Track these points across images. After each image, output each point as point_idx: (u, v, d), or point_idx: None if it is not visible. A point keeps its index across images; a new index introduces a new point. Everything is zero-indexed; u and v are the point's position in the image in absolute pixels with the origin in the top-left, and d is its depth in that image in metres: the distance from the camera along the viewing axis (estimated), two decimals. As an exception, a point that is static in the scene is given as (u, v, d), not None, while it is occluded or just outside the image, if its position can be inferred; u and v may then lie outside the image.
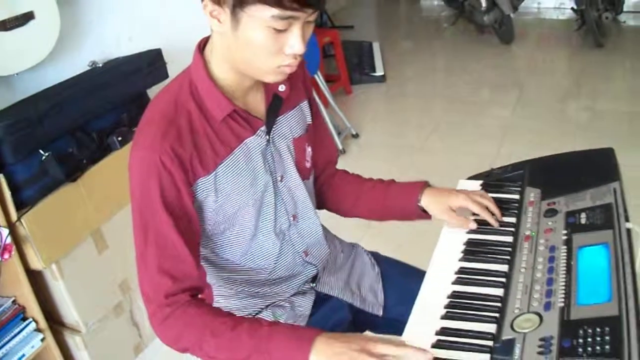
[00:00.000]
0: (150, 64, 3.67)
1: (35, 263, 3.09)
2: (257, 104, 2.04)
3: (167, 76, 3.73)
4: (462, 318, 1.81)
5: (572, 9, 8.33)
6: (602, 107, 6.62)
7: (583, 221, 1.96)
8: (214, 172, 1.91)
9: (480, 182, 2.47)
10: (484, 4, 8.14)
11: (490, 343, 1.67)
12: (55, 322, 3.38)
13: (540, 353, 1.53)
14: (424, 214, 2.30)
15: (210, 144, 1.90)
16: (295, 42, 1.77)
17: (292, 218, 2.17)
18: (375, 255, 2.51)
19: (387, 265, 2.48)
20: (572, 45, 8.56)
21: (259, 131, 2.01)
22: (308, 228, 2.24)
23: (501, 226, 2.18)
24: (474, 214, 2.22)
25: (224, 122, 1.92)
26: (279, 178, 2.10)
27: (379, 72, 7.81)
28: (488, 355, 1.63)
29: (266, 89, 2.05)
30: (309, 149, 2.23)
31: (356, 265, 2.45)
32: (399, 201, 2.33)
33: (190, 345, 1.83)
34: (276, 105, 2.07)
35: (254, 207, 2.02)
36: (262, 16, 1.70)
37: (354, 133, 6.32)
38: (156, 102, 1.95)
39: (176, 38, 3.99)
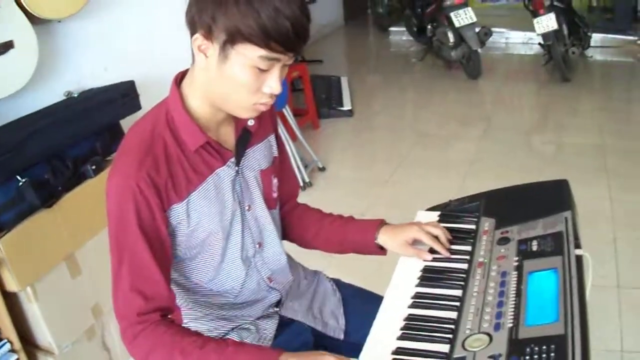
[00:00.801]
0: (124, 95, 3.77)
1: (11, 285, 3.16)
2: (228, 137, 2.14)
3: (139, 107, 3.83)
4: (417, 339, 1.90)
5: (540, 44, 8.41)
6: (567, 141, 6.74)
7: (534, 248, 2.05)
8: (187, 199, 2.01)
9: (438, 213, 2.57)
10: (451, 39, 8.26)
11: None
12: (28, 343, 3.42)
13: None
14: (380, 250, 2.43)
15: (184, 172, 2.00)
16: (273, 83, 1.90)
17: (257, 245, 2.26)
18: (336, 282, 2.60)
19: (348, 292, 2.57)
20: (539, 80, 8.68)
21: (229, 162, 2.11)
22: (272, 256, 2.33)
23: (456, 254, 2.28)
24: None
25: (197, 153, 2.02)
26: (247, 207, 2.20)
27: (347, 107, 7.90)
28: None
29: (236, 123, 2.15)
30: (275, 180, 2.33)
31: (318, 291, 2.53)
32: (357, 238, 2.45)
33: None
34: (245, 138, 2.17)
35: (222, 233, 2.12)
36: (249, 55, 1.82)
37: (321, 166, 6.37)
38: (134, 131, 2.04)
39: (149, 70, 4.08)
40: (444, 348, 1.82)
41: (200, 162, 2.04)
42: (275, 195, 2.34)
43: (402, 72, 9.73)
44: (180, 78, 2.08)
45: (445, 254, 2.29)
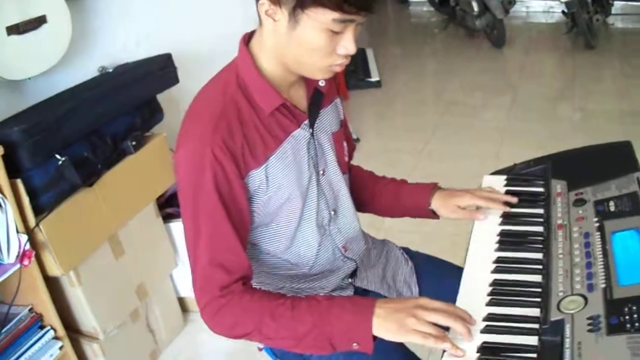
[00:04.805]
0: (162, 68, 3.66)
1: (54, 269, 3.06)
2: (300, 98, 2.06)
3: (177, 81, 3.75)
4: (506, 304, 1.85)
5: (563, 12, 8.37)
6: (597, 108, 6.70)
7: (612, 209, 2.02)
8: (265, 164, 1.93)
9: (504, 177, 2.52)
10: (476, 8, 8.18)
11: (536, 326, 1.72)
12: (71, 329, 3.35)
13: (590, 331, 1.58)
14: (434, 215, 2.41)
15: (260, 136, 1.91)
16: (348, 44, 1.81)
17: (332, 212, 2.18)
18: (406, 250, 2.54)
19: (420, 260, 2.51)
20: (562, 48, 8.64)
21: (303, 124, 2.03)
22: (347, 223, 2.26)
23: (530, 217, 2.24)
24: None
25: (272, 115, 1.94)
26: (321, 172, 2.12)
27: (375, 78, 7.82)
28: (536, 337, 1.68)
29: (308, 83, 2.07)
30: (345, 144, 2.27)
31: (390, 260, 2.47)
32: (411, 202, 2.43)
33: (249, 331, 1.87)
34: (317, 99, 2.10)
35: (300, 199, 2.04)
36: (321, 19, 1.73)
37: (355, 137, 6.28)
38: (203, 96, 1.96)
39: (181, 44, 4.02)
40: (535, 312, 1.78)
41: (276, 125, 1.96)
42: (346, 159, 2.29)
43: (424, 43, 9.70)
44: (248, 38, 1.99)
45: (503, 209, 2.29)
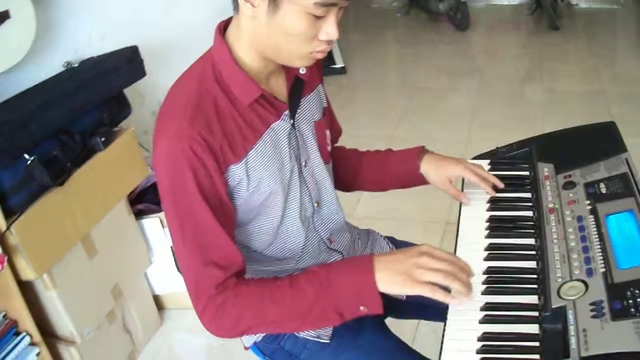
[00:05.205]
0: (129, 61, 3.56)
1: (27, 273, 2.97)
2: (279, 88, 1.99)
3: (144, 74, 3.66)
4: (503, 292, 1.82)
5: (527, -7, 8.44)
6: (566, 89, 6.73)
7: (603, 191, 2.00)
8: (245, 159, 1.85)
9: (488, 161, 2.49)
10: (439, -9, 8.19)
11: (536, 314, 1.70)
12: (47, 334, 3.26)
13: (594, 317, 1.56)
14: (424, 180, 2.36)
15: (239, 130, 1.84)
16: (331, 29, 1.74)
17: (316, 204, 2.13)
18: (391, 240, 2.49)
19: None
20: (527, 29, 8.69)
21: (283, 115, 1.96)
22: (331, 214, 2.20)
23: (518, 202, 2.22)
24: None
25: (251, 107, 1.87)
26: (304, 163, 2.06)
27: (339, 64, 7.73)
28: (537, 325, 1.67)
29: (287, 72, 2.00)
30: (328, 133, 2.21)
31: (375, 250, 2.42)
32: (399, 168, 2.38)
33: (252, 322, 1.83)
34: (298, 88, 2.03)
35: (282, 193, 1.98)
36: (303, 2, 1.66)
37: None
38: (177, 89, 1.88)
39: (147, 35, 3.95)
40: (532, 299, 1.77)
41: (255, 118, 1.88)
42: (329, 148, 2.22)
43: (387, 28, 9.64)
44: (223, 27, 1.91)
45: (491, 193, 2.28)
